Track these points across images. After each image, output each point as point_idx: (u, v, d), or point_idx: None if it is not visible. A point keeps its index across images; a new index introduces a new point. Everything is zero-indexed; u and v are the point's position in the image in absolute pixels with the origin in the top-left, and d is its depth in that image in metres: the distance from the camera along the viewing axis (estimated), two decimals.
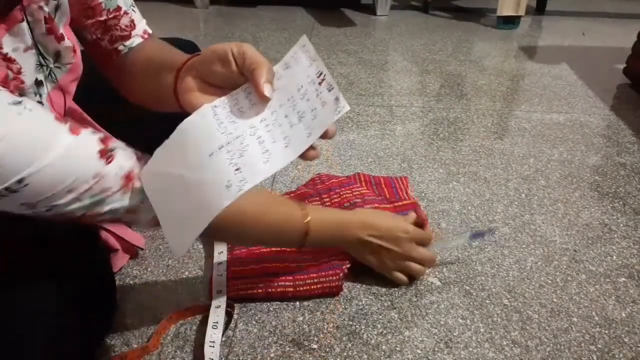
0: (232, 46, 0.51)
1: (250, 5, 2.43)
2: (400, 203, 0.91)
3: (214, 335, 0.67)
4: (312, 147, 0.51)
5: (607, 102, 1.48)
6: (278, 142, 0.49)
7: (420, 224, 0.83)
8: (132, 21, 0.65)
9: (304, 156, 0.50)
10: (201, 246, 0.86)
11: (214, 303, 0.72)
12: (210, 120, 0.49)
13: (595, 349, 0.69)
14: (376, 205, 0.87)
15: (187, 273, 0.80)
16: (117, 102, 0.89)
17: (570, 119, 1.37)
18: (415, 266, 0.77)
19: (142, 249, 0.84)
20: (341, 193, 0.91)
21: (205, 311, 0.72)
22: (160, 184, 0.48)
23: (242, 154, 0.47)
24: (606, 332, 0.72)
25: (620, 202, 1.01)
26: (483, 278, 0.81)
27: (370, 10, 2.38)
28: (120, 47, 0.64)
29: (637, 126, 1.33)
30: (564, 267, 0.84)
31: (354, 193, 0.91)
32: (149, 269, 0.81)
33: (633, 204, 1.01)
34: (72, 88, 0.59)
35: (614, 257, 0.86)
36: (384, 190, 0.98)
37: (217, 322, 0.69)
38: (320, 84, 0.50)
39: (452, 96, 1.50)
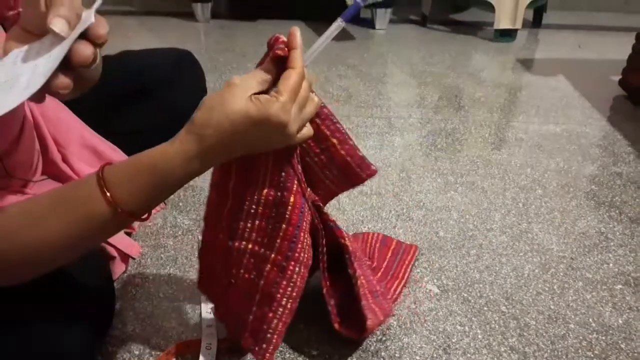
0: None
1: (251, 19, 2.46)
2: (387, 277, 0.81)
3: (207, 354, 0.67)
4: (60, 77, 0.44)
5: (603, 113, 1.50)
6: (39, 76, 0.44)
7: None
8: None
9: (52, 86, 0.44)
10: None
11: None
12: (6, 64, 0.45)
13: (592, 355, 0.70)
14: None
15: (188, 281, 0.81)
16: (120, 112, 0.91)
17: (567, 130, 1.38)
18: (309, 110, 0.54)
19: (134, 258, 0.84)
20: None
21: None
22: None
23: (9, 91, 0.43)
24: (603, 338, 0.72)
25: (617, 211, 1.02)
26: (481, 285, 0.82)
27: (369, 24, 2.41)
28: None
29: (632, 137, 1.35)
30: (561, 274, 0.85)
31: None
32: (150, 277, 0.82)
33: (629, 213, 1.02)
34: None
35: (611, 264, 0.87)
36: (387, 254, 0.86)
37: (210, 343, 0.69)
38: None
39: (450, 108, 1.51)
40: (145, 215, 0.51)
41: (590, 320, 0.76)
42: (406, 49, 2.09)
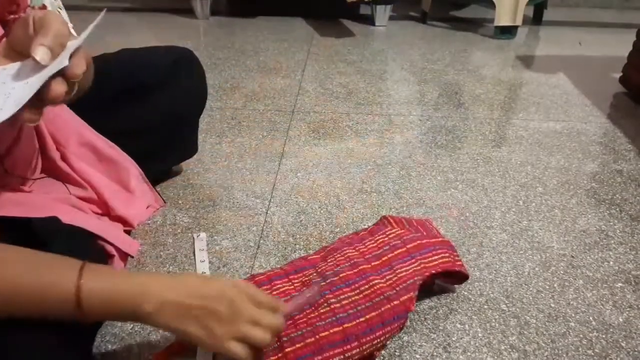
0: (37, 12, 0.49)
1: (250, 16, 2.45)
2: (439, 239, 0.80)
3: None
4: (27, 112, 0.46)
5: (604, 111, 1.50)
6: (12, 100, 0.45)
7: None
8: None
9: (21, 117, 0.45)
10: (200, 250, 0.86)
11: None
12: None
13: (592, 354, 0.70)
14: (418, 242, 0.77)
15: None
16: (119, 110, 0.90)
17: (567, 127, 1.38)
18: (258, 333, 0.54)
19: (132, 256, 0.83)
20: (376, 239, 0.79)
21: None
22: None
23: None
24: (603, 336, 0.72)
25: (617, 209, 1.02)
26: (481, 283, 0.81)
27: (369, 20, 2.40)
28: None
29: (633, 134, 1.35)
30: (562, 272, 0.84)
31: (390, 236, 0.79)
32: None
33: (629, 211, 1.02)
34: None
35: (611, 262, 0.87)
36: (418, 227, 0.85)
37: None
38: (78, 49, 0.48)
39: (450, 105, 1.51)
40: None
41: (591, 318, 0.75)
42: (406, 46, 2.09)
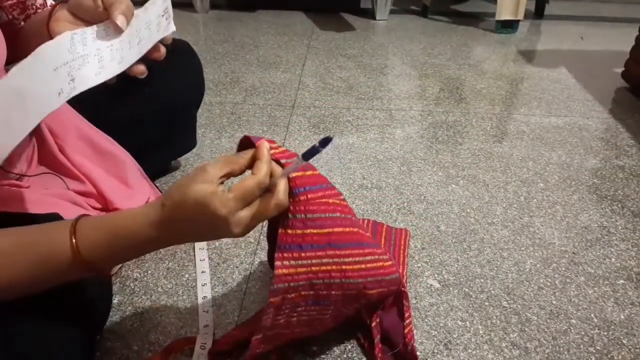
0: None
1: (250, 10, 2.44)
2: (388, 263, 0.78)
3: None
4: (139, 65, 0.55)
5: (606, 106, 1.49)
6: (114, 61, 0.54)
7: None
8: (45, 0, 0.69)
9: (131, 71, 0.54)
10: (200, 249, 0.86)
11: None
12: (65, 43, 0.53)
13: (594, 351, 0.69)
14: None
15: (187, 275, 0.81)
16: (116, 103, 0.90)
17: (569, 123, 1.37)
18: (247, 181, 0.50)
19: None
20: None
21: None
22: (4, 95, 0.50)
23: (80, 68, 0.52)
24: (605, 333, 0.72)
25: (619, 205, 1.02)
26: (482, 280, 0.81)
27: (370, 14, 2.39)
28: None
29: (635, 129, 1.34)
30: (563, 269, 0.84)
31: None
32: (149, 272, 0.81)
33: (631, 207, 1.01)
34: None
35: (613, 259, 0.87)
36: (381, 241, 0.85)
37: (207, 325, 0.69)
38: (162, 16, 0.57)
39: (451, 100, 1.50)
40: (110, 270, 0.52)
41: (592, 315, 0.75)
42: (407, 40, 2.08)
